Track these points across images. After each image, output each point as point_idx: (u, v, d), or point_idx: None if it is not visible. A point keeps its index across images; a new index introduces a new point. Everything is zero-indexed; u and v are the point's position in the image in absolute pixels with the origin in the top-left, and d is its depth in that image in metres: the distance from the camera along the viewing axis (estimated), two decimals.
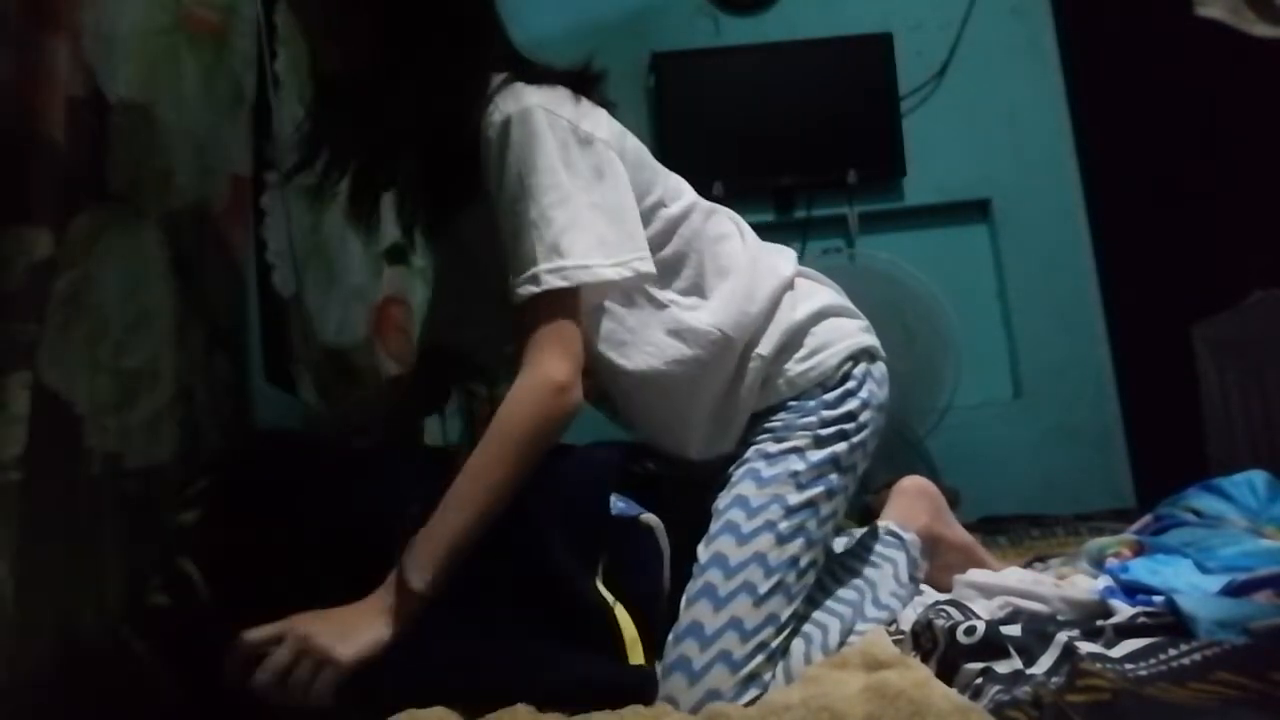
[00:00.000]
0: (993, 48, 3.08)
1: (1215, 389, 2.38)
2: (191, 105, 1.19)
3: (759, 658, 1.02)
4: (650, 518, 1.11)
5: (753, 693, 0.99)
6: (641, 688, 0.96)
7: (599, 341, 1.13)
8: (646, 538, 1.10)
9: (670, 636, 1.03)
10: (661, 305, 1.15)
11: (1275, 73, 2.08)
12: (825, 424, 1.16)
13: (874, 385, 1.22)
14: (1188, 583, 1.15)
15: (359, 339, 1.70)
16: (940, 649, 0.98)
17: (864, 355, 1.22)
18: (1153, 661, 0.90)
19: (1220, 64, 2.23)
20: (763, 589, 1.05)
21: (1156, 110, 2.60)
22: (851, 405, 1.18)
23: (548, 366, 1.02)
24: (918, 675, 0.89)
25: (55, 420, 0.88)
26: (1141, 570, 1.22)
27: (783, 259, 1.26)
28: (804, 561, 1.09)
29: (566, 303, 1.04)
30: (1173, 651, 0.90)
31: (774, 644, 1.03)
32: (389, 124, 1.11)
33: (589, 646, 0.98)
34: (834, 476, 1.14)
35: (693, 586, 1.06)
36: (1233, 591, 1.09)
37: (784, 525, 1.09)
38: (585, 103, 1.12)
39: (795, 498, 1.11)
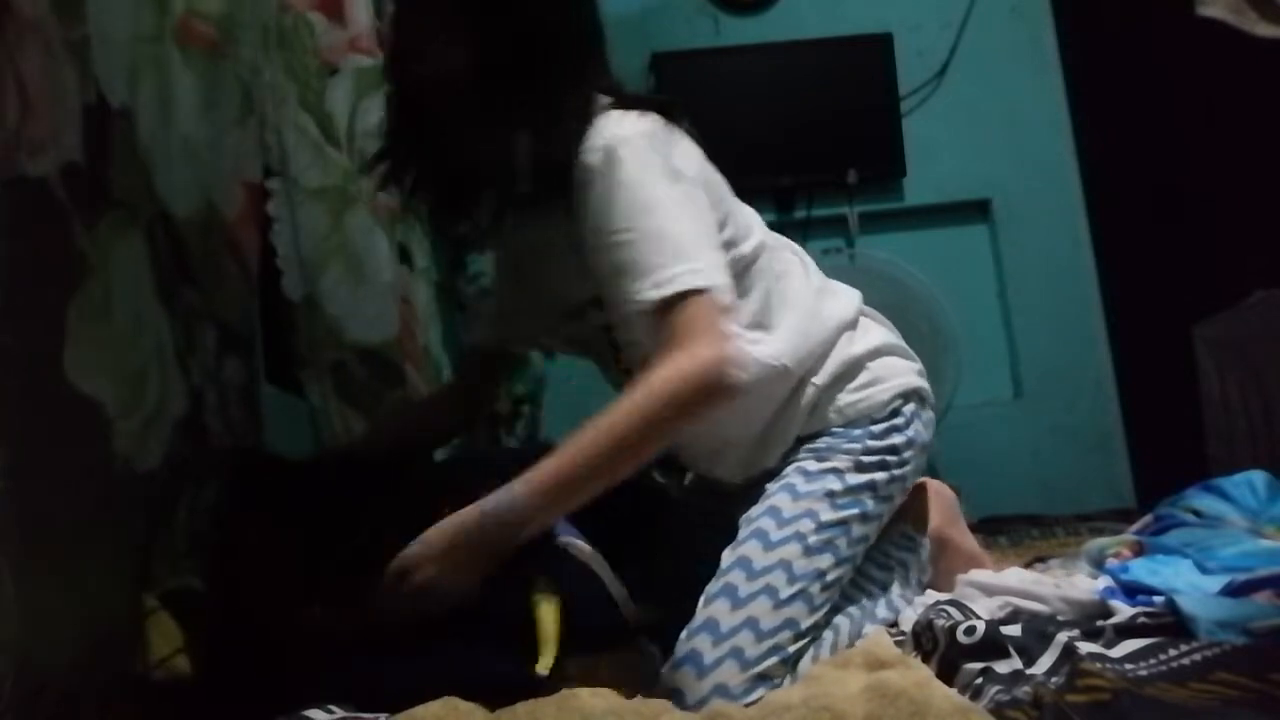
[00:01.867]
0: (993, 48, 3.08)
1: (1215, 389, 2.39)
2: (190, 113, 1.20)
3: (772, 659, 1.01)
4: (576, 544, 1.05)
5: (761, 692, 0.98)
6: (520, 689, 0.92)
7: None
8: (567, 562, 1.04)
9: (683, 634, 1.03)
10: None
11: (1276, 73, 2.08)
12: (868, 452, 1.17)
13: (920, 427, 1.24)
14: (1188, 583, 1.15)
15: (391, 336, 1.70)
16: (940, 649, 0.98)
17: (915, 396, 1.25)
18: (1153, 662, 0.90)
19: (1220, 64, 2.23)
20: (784, 594, 1.05)
21: (1156, 111, 2.60)
22: (896, 440, 1.20)
23: (711, 346, 1.00)
24: (918, 675, 0.89)
25: (86, 423, 0.89)
26: (1141, 570, 1.22)
27: (845, 297, 1.29)
28: (830, 577, 1.09)
29: (705, 300, 1.02)
30: (1173, 652, 0.91)
31: (790, 649, 1.02)
32: (485, 145, 1.11)
33: (490, 643, 0.97)
34: (870, 502, 1.15)
35: (713, 587, 1.06)
36: (1233, 592, 1.09)
37: (813, 539, 1.09)
38: (676, 132, 1.13)
39: (829, 515, 1.12)
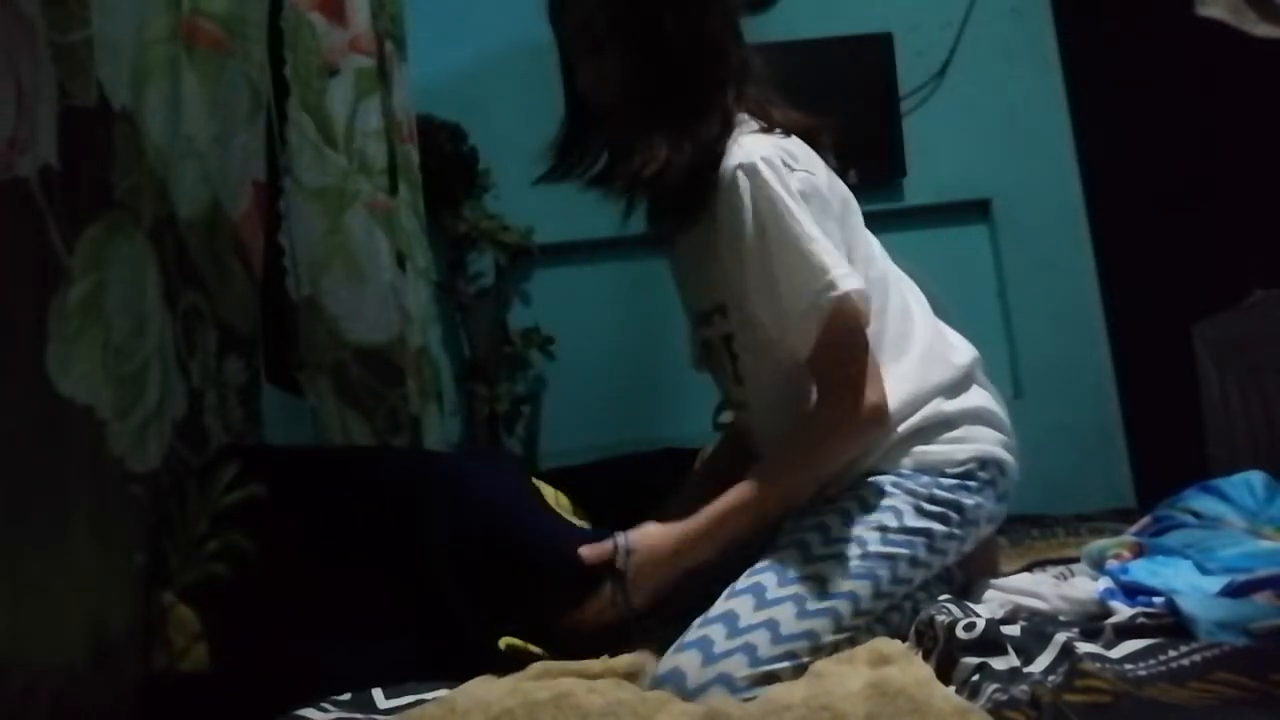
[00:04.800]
0: (993, 48, 3.08)
1: (1215, 389, 2.39)
2: (196, 114, 1.20)
3: (784, 664, 0.99)
4: None
5: (764, 689, 0.95)
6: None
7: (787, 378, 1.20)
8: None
9: (697, 621, 1.03)
10: None
11: (1275, 73, 2.08)
12: (933, 500, 1.16)
13: (993, 496, 1.21)
14: (1188, 584, 1.15)
15: (392, 336, 1.71)
16: (940, 645, 0.98)
17: (993, 465, 1.22)
18: (1152, 662, 0.90)
19: (1220, 64, 2.23)
20: (811, 607, 1.04)
21: (1156, 110, 2.60)
22: (964, 499, 1.18)
23: (860, 394, 1.13)
24: (919, 674, 0.89)
25: (77, 427, 0.88)
26: (1141, 571, 1.22)
27: (960, 348, 1.30)
28: (865, 605, 1.07)
29: (849, 310, 1.12)
30: (1172, 653, 0.91)
31: (805, 659, 1.01)
32: (635, 152, 1.18)
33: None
34: (922, 549, 1.13)
35: (740, 584, 1.06)
36: (1233, 592, 1.09)
37: (855, 564, 1.09)
38: (809, 156, 1.21)
39: (876, 546, 1.11)
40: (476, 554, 1.06)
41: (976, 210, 3.08)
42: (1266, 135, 2.21)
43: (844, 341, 1.12)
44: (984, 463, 1.21)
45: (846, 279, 1.11)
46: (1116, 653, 0.95)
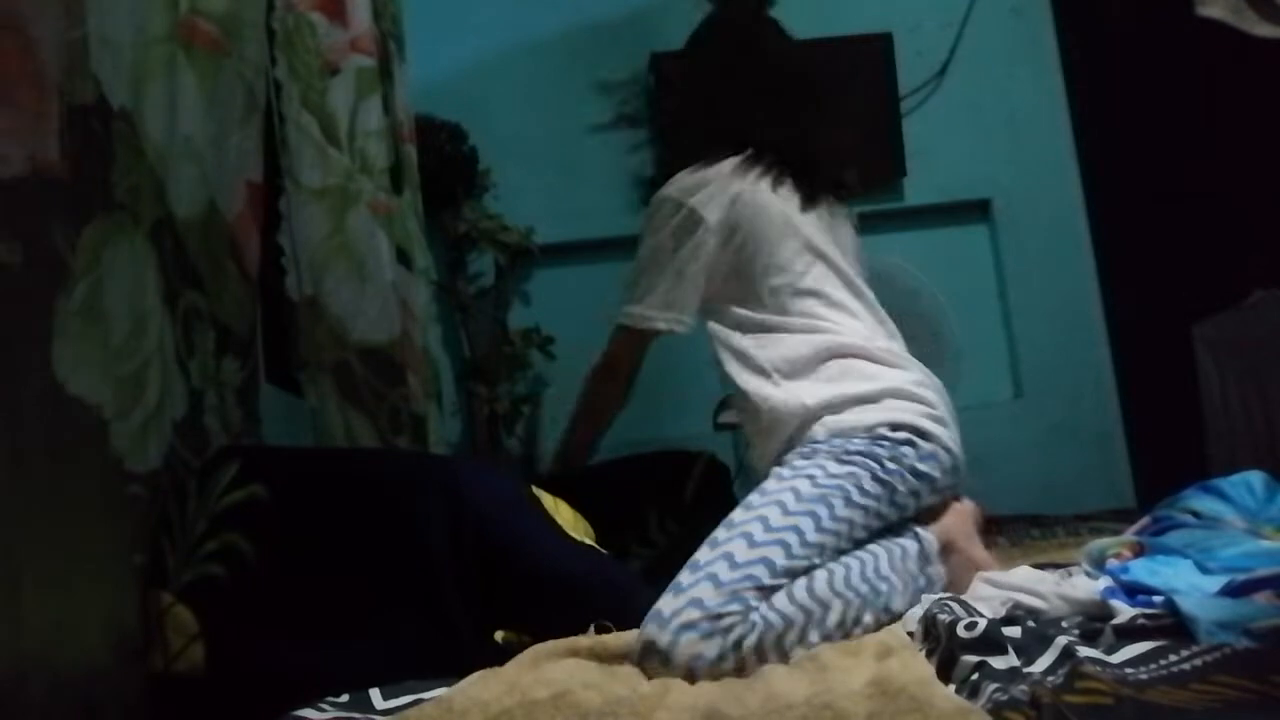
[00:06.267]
0: (993, 48, 3.08)
1: (1215, 389, 2.39)
2: (194, 113, 1.19)
3: (746, 584, 1.09)
4: None
5: (735, 608, 1.06)
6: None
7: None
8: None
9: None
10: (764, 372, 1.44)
11: (1275, 73, 2.08)
12: (847, 452, 1.30)
13: (912, 454, 1.33)
14: (1188, 583, 1.15)
15: (394, 335, 1.71)
16: (942, 644, 0.98)
17: (909, 429, 1.34)
18: (1153, 666, 0.90)
19: (1220, 64, 2.23)
20: (759, 538, 1.16)
21: (1157, 110, 2.60)
22: (879, 450, 1.30)
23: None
24: (921, 673, 0.89)
25: (85, 427, 0.88)
26: (1142, 571, 1.22)
27: (901, 375, 1.43)
28: (809, 536, 1.18)
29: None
30: (1173, 656, 0.90)
31: (766, 581, 1.11)
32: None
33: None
34: (852, 489, 1.25)
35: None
36: (1233, 592, 1.09)
37: (793, 505, 1.21)
38: (735, 180, 1.52)
39: (808, 490, 1.24)
40: (473, 556, 1.06)
41: (976, 210, 3.08)
42: (1266, 135, 2.21)
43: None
44: (896, 426, 1.34)
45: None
46: (1117, 657, 0.94)
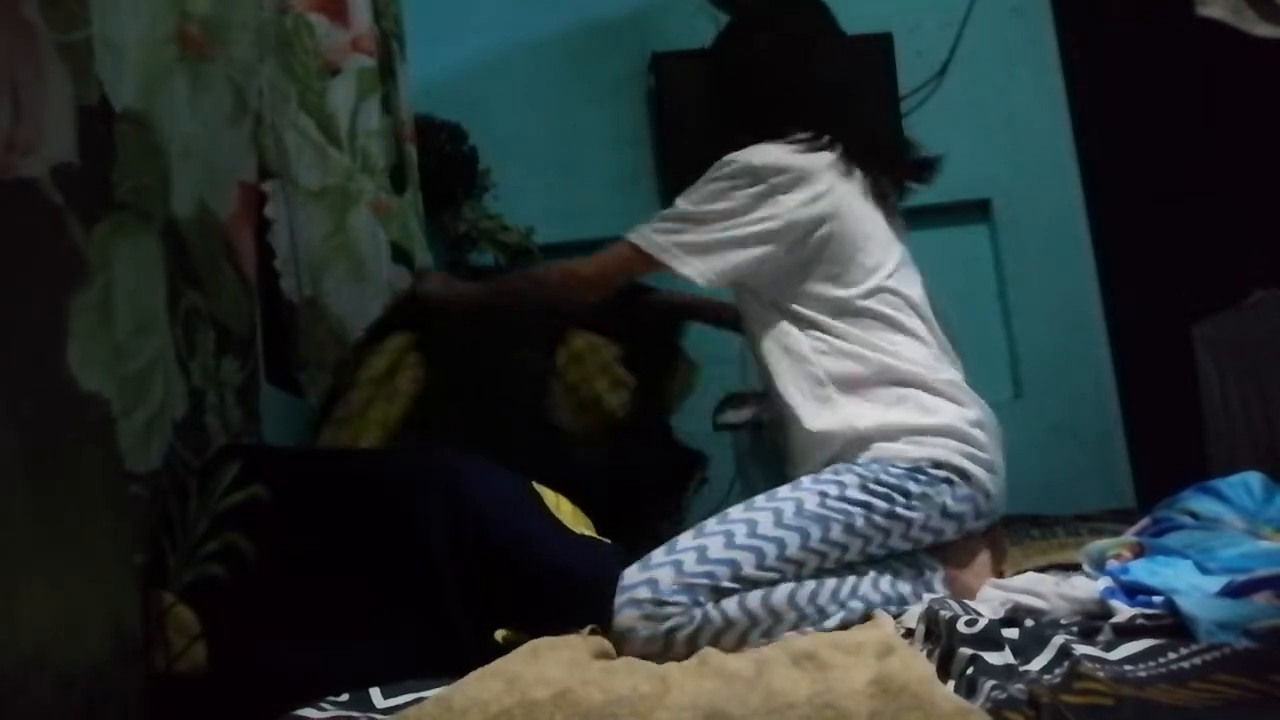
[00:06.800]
0: (993, 48, 3.08)
1: (1215, 389, 2.39)
2: (191, 114, 1.20)
3: (704, 580, 1.13)
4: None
5: (683, 599, 1.11)
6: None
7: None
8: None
9: None
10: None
11: (1276, 73, 2.08)
12: (878, 482, 1.26)
13: (951, 495, 1.30)
14: (1188, 584, 1.15)
15: None
16: (942, 641, 0.99)
17: (951, 469, 1.30)
18: (1152, 664, 0.90)
19: (1220, 64, 2.23)
20: (739, 540, 1.17)
21: (1156, 110, 2.60)
22: (912, 486, 1.27)
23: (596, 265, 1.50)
24: (922, 671, 0.89)
25: (97, 425, 0.89)
26: (1141, 571, 1.22)
27: (961, 410, 1.37)
28: (790, 552, 1.18)
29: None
30: (1172, 655, 0.91)
31: (724, 583, 1.13)
32: None
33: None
34: (859, 518, 1.23)
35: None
36: (1232, 592, 1.09)
37: (791, 519, 1.20)
38: (808, 176, 1.41)
39: (813, 506, 1.22)
40: (473, 556, 1.06)
41: (976, 210, 3.08)
42: (1266, 135, 2.21)
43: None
44: (938, 463, 1.30)
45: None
46: (1116, 654, 0.94)
